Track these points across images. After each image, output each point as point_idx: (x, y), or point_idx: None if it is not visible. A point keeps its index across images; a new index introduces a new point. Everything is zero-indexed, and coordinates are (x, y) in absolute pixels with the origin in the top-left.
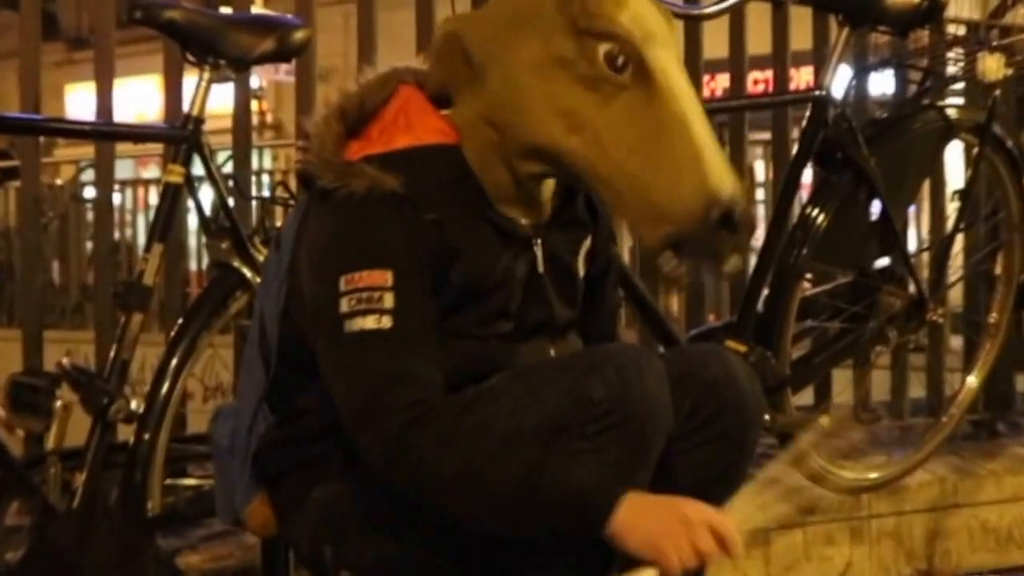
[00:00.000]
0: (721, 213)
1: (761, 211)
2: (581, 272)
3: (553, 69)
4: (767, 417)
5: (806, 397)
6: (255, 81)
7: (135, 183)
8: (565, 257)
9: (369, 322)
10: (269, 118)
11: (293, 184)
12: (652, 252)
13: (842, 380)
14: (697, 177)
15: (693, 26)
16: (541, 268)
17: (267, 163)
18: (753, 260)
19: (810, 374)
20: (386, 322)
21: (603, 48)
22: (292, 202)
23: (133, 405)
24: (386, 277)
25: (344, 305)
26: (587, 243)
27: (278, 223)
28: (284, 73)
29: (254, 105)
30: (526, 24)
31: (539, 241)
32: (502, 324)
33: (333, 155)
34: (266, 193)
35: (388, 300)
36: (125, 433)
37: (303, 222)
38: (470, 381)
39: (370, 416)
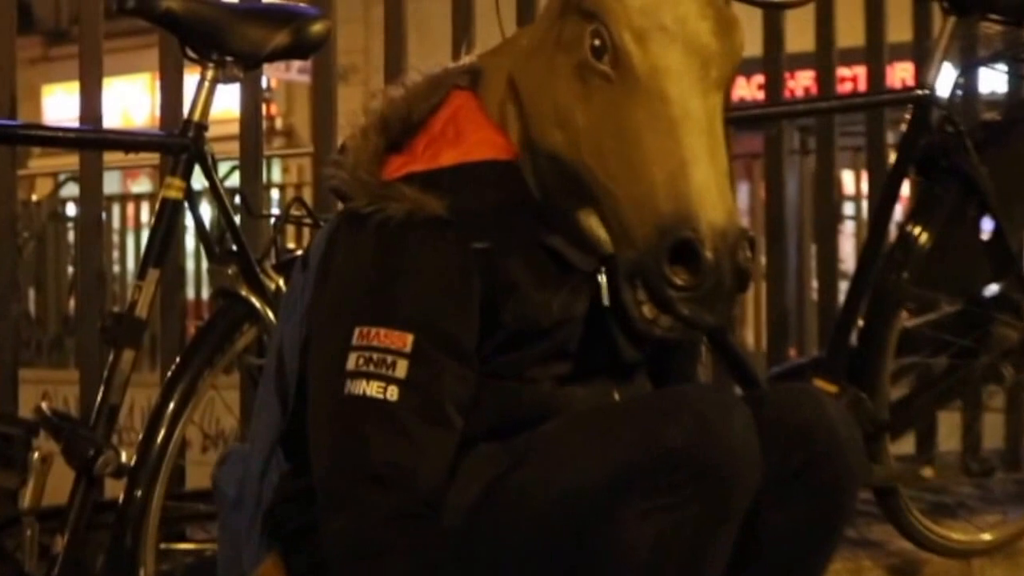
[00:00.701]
0: (675, 241)
1: (851, 228)
2: None
3: (552, 52)
4: None
5: (907, 445)
6: (263, 82)
7: (123, 199)
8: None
9: (373, 388)
10: (279, 123)
11: (309, 199)
12: (624, 284)
13: (949, 425)
14: (663, 194)
15: (774, 16)
16: (606, 301)
17: (275, 175)
18: (844, 287)
19: (912, 418)
20: (392, 394)
21: (588, 29)
22: (308, 220)
23: (123, 457)
24: (405, 340)
25: (351, 361)
26: None
27: (291, 245)
28: (296, 72)
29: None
30: (546, 11)
31: (604, 270)
32: (559, 365)
33: (369, 173)
34: (277, 210)
35: (401, 368)
36: (114, 490)
37: (331, 245)
38: (519, 428)
39: (345, 506)
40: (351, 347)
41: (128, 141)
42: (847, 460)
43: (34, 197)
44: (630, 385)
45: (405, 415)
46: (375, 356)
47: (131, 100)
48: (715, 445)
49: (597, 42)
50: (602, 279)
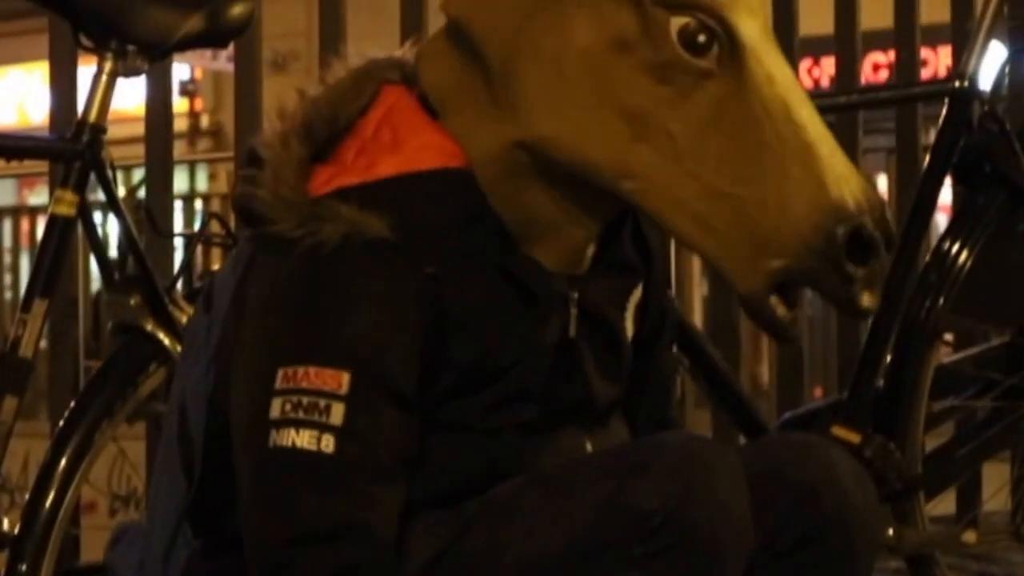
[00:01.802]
0: (849, 232)
1: None
2: (630, 333)
3: (609, 55)
4: (891, 532)
5: (946, 505)
6: (185, 71)
7: (16, 211)
8: (609, 315)
9: (305, 439)
10: (205, 121)
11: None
12: (755, 300)
13: (995, 480)
14: (810, 188)
15: None
16: (573, 332)
17: (202, 183)
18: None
19: (951, 472)
20: (327, 444)
21: (677, 23)
22: (230, 241)
23: (4, 525)
24: (340, 380)
25: (276, 408)
26: (637, 294)
27: (215, 267)
28: (226, 60)
29: (184, 104)
30: (570, 5)
31: (575, 295)
32: (523, 409)
33: (293, 189)
34: (195, 227)
35: (336, 414)
36: None
37: (244, 277)
38: (475, 489)
39: None
40: (275, 391)
41: (10, 147)
42: (860, 525)
43: None
44: (605, 431)
45: (346, 467)
46: (305, 400)
47: (28, 93)
48: (697, 505)
49: (702, 37)
50: (572, 307)
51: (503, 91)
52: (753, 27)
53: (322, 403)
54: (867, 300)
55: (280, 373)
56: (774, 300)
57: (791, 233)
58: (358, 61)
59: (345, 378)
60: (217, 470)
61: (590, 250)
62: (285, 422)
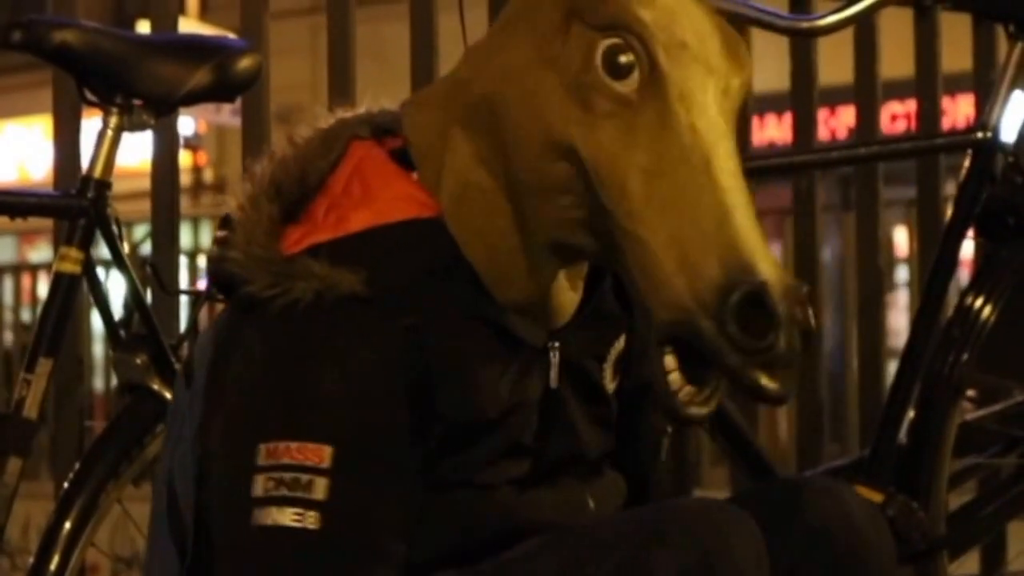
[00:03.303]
0: (744, 296)
1: (905, 299)
2: (611, 385)
3: (542, 71)
4: None
5: (970, 564)
6: (190, 126)
7: (17, 269)
8: (587, 365)
9: (287, 517)
10: (208, 175)
11: None
12: (651, 353)
13: (1022, 538)
14: (719, 246)
15: (803, 43)
16: (554, 383)
17: (205, 239)
18: (892, 369)
19: (976, 531)
20: (311, 521)
21: (603, 44)
22: None
23: None
24: (322, 455)
25: (258, 486)
26: (619, 345)
27: None
28: (229, 114)
29: (188, 159)
30: (520, 21)
31: (555, 345)
32: (516, 465)
33: (266, 250)
34: (202, 284)
35: (319, 489)
36: None
37: (220, 350)
38: (479, 548)
39: None
40: (257, 468)
41: (13, 204)
42: (875, 565)
43: None
44: (601, 482)
45: (329, 547)
46: (287, 477)
47: (27, 149)
48: (716, 574)
49: (624, 59)
50: (554, 357)
51: (469, 112)
52: (689, 75)
53: (304, 478)
54: (766, 381)
55: (262, 449)
56: (669, 362)
57: (684, 284)
58: (325, 121)
59: (327, 452)
60: (210, 545)
61: (567, 301)
62: (267, 500)
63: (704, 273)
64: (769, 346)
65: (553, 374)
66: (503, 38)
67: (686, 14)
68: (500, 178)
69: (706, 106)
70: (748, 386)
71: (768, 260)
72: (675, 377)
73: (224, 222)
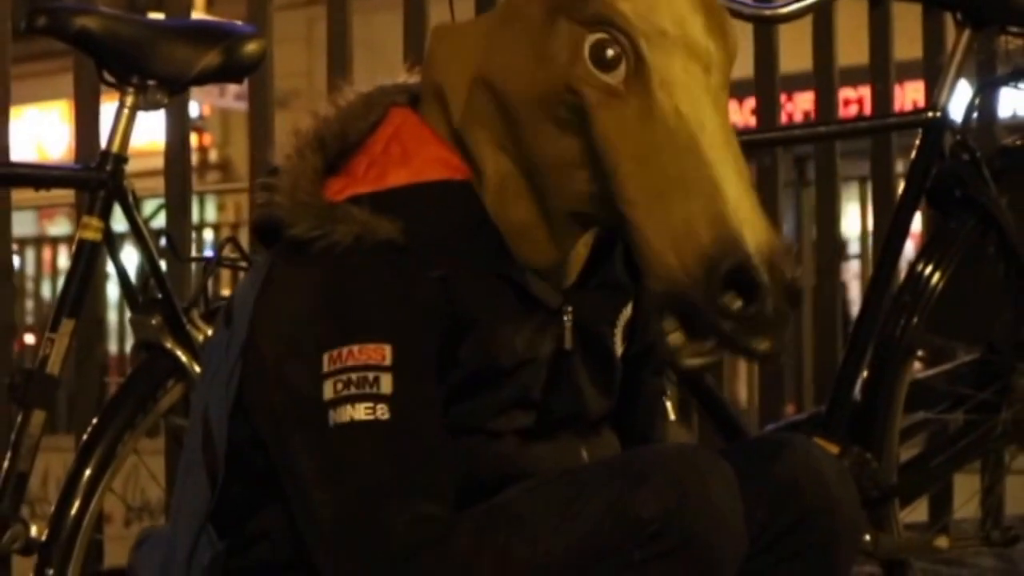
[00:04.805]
0: (732, 266)
1: (857, 268)
2: (619, 350)
3: (540, 66)
4: (868, 538)
5: (919, 512)
6: (194, 108)
7: (38, 241)
8: (600, 331)
9: (361, 412)
10: (213, 156)
11: (245, 241)
12: (651, 321)
13: (966, 489)
14: (706, 220)
15: (766, 31)
16: (568, 344)
17: (210, 214)
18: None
19: (924, 481)
20: (383, 412)
21: (590, 39)
22: (244, 264)
23: (33, 531)
24: (383, 353)
25: (328, 390)
26: (627, 312)
27: (225, 292)
28: (232, 98)
29: (194, 140)
30: (515, 19)
31: (569, 309)
32: (521, 416)
33: (310, 195)
34: (209, 253)
35: (386, 384)
36: (22, 568)
37: (265, 288)
38: (479, 489)
39: (361, 536)
40: (324, 375)
41: (38, 176)
42: (841, 516)
43: None
44: (598, 440)
45: (404, 430)
46: (354, 376)
47: (45, 131)
48: (694, 513)
49: (611, 52)
50: (567, 319)
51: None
52: (671, 64)
53: (371, 376)
54: (759, 344)
55: (325, 357)
56: (670, 324)
57: (675, 260)
58: (367, 87)
59: (387, 350)
60: (239, 476)
61: (577, 264)
62: (339, 400)
63: (694, 250)
64: (757, 312)
65: (568, 336)
66: (500, 33)
67: (668, 6)
68: (519, 162)
69: (689, 87)
70: (741, 349)
71: (755, 228)
72: (676, 336)
73: (272, 170)
